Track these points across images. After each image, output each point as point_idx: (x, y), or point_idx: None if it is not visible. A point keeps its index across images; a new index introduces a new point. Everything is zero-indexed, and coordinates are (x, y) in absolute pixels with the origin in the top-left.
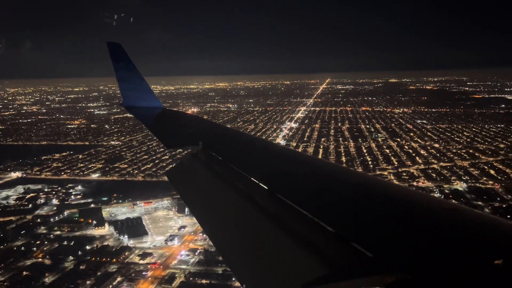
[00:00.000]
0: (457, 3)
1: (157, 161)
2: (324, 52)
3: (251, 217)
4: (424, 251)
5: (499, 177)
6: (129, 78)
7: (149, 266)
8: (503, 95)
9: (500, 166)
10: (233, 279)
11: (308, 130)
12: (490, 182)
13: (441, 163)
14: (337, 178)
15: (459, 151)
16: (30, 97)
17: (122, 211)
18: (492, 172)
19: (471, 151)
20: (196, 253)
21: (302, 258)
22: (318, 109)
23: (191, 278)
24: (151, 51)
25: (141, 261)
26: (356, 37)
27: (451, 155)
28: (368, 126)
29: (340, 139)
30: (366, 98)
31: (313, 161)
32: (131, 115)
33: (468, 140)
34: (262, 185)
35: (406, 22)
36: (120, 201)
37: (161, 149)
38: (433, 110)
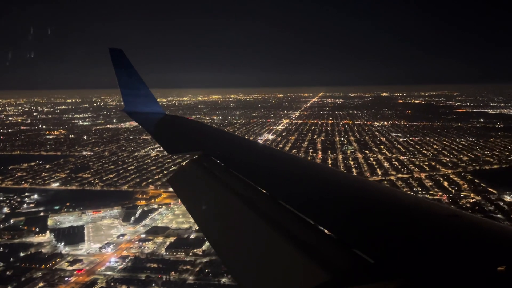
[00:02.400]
0: (458, 16)
1: (121, 171)
2: (321, 66)
3: (252, 223)
4: (426, 257)
5: (450, 189)
6: (131, 83)
7: (74, 272)
8: (486, 110)
9: (455, 178)
10: (153, 284)
11: (283, 142)
12: (440, 193)
13: (399, 175)
14: (339, 184)
15: (421, 163)
16: (19, 108)
17: (69, 219)
18: (445, 183)
19: (433, 163)
20: (126, 260)
21: (304, 264)
22: (300, 121)
23: (112, 284)
24: (148, 63)
25: (69, 268)
26: (354, 51)
27: (412, 167)
28: (342, 139)
29: (310, 151)
30: (351, 112)
31: (315, 166)
32: (112, 126)
33: (435, 153)
34: (263, 190)
35: (405, 36)
36: (71, 209)
37: (130, 159)
38: (412, 123)
